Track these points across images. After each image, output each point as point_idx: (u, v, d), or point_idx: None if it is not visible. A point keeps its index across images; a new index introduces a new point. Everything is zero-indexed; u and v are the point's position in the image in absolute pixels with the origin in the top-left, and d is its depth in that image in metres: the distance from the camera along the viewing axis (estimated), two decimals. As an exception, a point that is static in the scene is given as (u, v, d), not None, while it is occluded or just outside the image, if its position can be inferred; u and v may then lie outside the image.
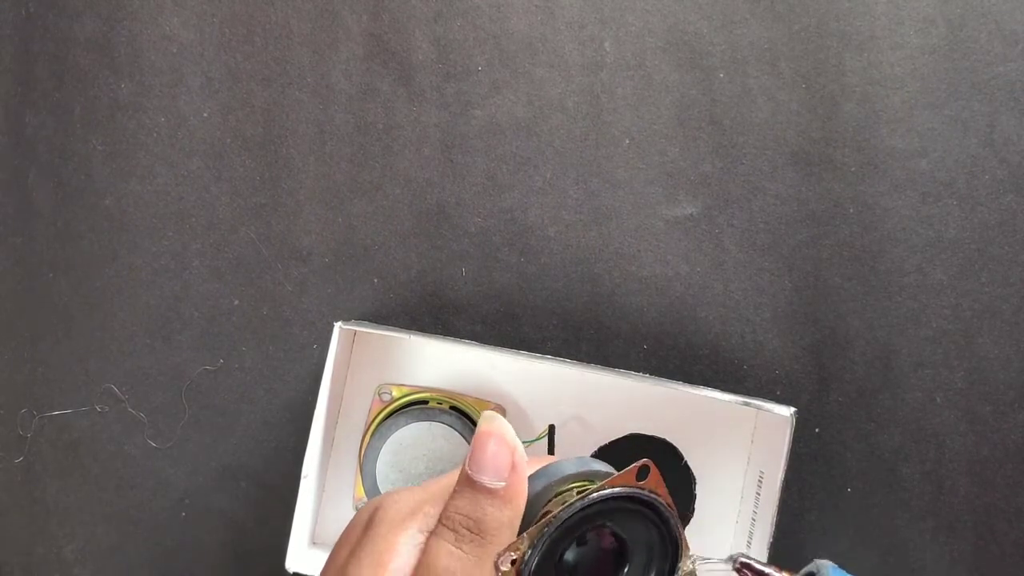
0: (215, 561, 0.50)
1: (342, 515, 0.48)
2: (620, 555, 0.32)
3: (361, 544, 0.33)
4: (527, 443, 0.48)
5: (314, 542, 0.48)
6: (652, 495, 0.31)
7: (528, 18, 0.49)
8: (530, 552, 0.30)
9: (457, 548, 0.30)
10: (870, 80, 0.48)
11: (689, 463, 0.47)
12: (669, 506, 0.32)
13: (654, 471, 0.31)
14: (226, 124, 0.50)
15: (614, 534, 0.32)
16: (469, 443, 0.46)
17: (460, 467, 0.33)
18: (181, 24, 0.50)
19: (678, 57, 0.49)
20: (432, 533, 0.31)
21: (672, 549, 0.32)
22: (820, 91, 0.48)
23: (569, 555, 0.32)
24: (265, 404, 0.50)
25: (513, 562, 0.30)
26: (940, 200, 0.48)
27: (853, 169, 0.48)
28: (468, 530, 0.31)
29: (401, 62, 0.50)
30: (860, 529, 0.48)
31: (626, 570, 0.32)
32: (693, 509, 0.47)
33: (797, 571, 0.35)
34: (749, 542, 0.44)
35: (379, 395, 0.48)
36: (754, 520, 0.44)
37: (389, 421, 0.47)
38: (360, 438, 0.48)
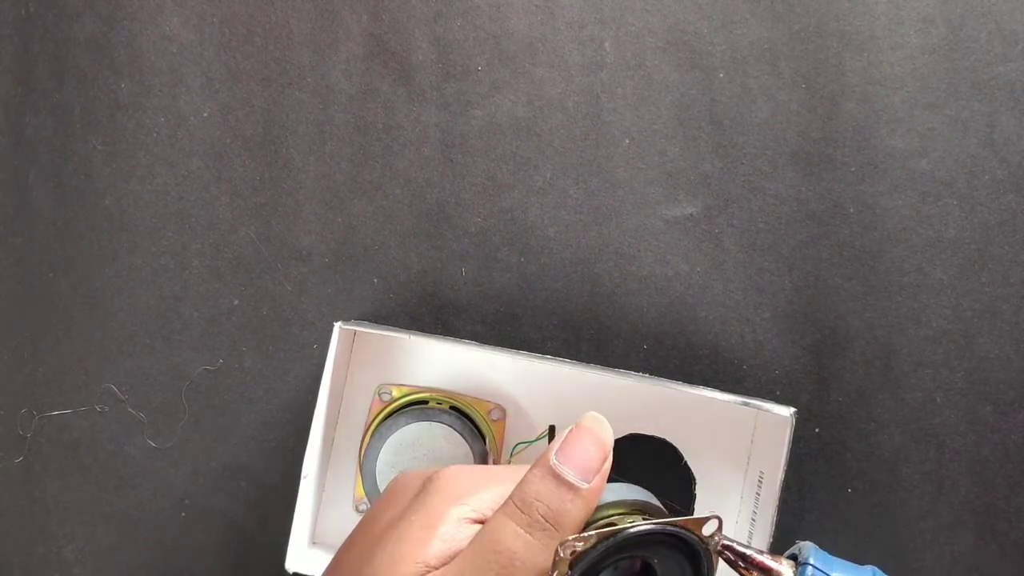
0: (215, 561, 0.50)
1: (342, 515, 0.48)
2: None
3: (413, 507, 0.33)
4: (527, 443, 0.48)
5: (314, 542, 0.48)
6: (707, 552, 0.32)
7: (528, 18, 0.49)
8: (592, 550, 0.30)
9: (527, 533, 0.30)
10: (870, 80, 0.48)
11: (689, 463, 0.47)
12: (712, 568, 0.32)
13: (720, 528, 0.32)
14: (226, 124, 0.50)
15: (649, 566, 0.32)
16: (469, 443, 0.46)
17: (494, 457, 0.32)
18: (181, 24, 0.50)
19: (678, 57, 0.49)
20: (500, 511, 0.31)
21: None
22: (820, 91, 0.48)
23: None
24: (265, 404, 0.50)
25: (573, 552, 0.30)
26: (940, 200, 0.48)
27: (853, 169, 0.48)
28: (544, 518, 0.30)
29: (401, 62, 0.50)
30: (860, 529, 0.48)
31: None
32: (693, 510, 0.47)
33: (780, 553, 0.35)
34: (749, 542, 0.44)
35: (379, 395, 0.48)
36: (754, 520, 0.44)
37: (389, 421, 0.47)
38: (360, 438, 0.48)
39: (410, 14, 0.49)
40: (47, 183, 0.51)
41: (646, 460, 0.47)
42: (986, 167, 0.47)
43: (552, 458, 0.31)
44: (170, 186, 0.50)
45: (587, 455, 0.31)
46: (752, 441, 0.47)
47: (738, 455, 0.47)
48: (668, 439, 0.47)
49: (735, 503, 0.47)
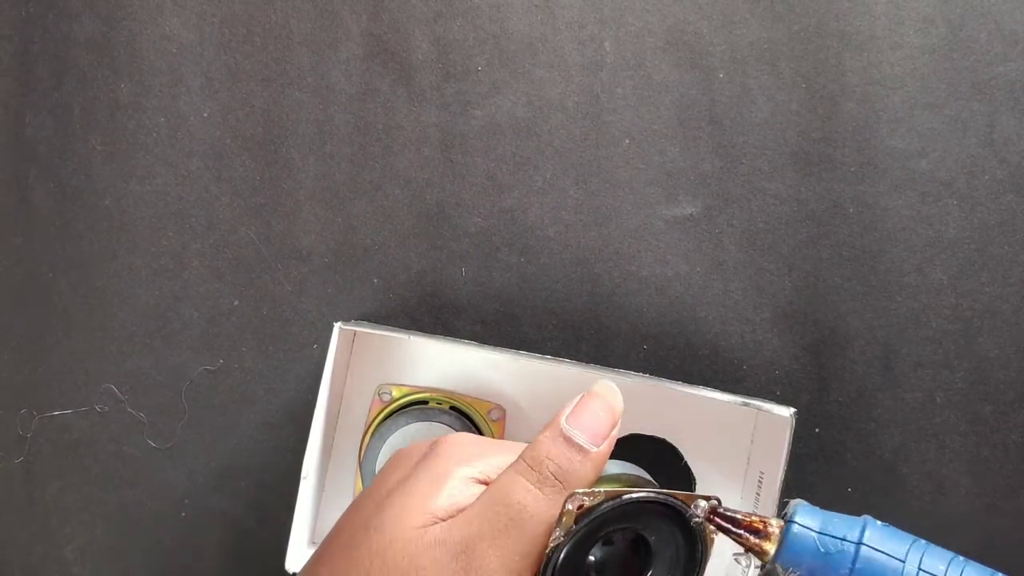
0: (215, 561, 0.50)
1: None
2: (642, 565, 0.33)
3: (420, 466, 0.34)
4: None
5: (314, 542, 0.48)
6: (704, 533, 0.32)
7: (528, 18, 0.49)
8: (597, 508, 0.30)
9: (537, 488, 0.31)
10: (870, 80, 0.48)
11: (689, 463, 0.47)
12: (707, 550, 0.32)
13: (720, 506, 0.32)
14: (226, 124, 0.50)
15: (644, 542, 0.32)
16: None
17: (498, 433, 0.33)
18: (181, 24, 0.50)
19: (678, 57, 0.49)
20: (511, 468, 0.32)
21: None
22: (820, 91, 0.48)
23: (595, 551, 0.32)
24: (265, 404, 0.50)
25: (580, 507, 0.30)
26: (940, 200, 0.48)
27: (853, 169, 0.48)
28: (554, 476, 0.31)
29: (401, 62, 0.50)
30: (860, 529, 0.48)
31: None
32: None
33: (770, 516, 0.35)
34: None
35: (379, 395, 0.48)
36: (754, 520, 0.44)
37: (389, 421, 0.47)
38: (360, 438, 0.48)
39: (410, 14, 0.49)
40: (47, 183, 0.51)
41: (646, 460, 0.47)
42: (986, 167, 0.47)
43: (563, 421, 0.32)
44: (170, 186, 0.50)
45: (597, 420, 0.32)
46: (752, 441, 0.47)
47: (738, 455, 0.47)
48: (668, 439, 0.47)
49: (735, 503, 0.47)
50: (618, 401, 0.33)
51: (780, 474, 0.41)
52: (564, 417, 0.32)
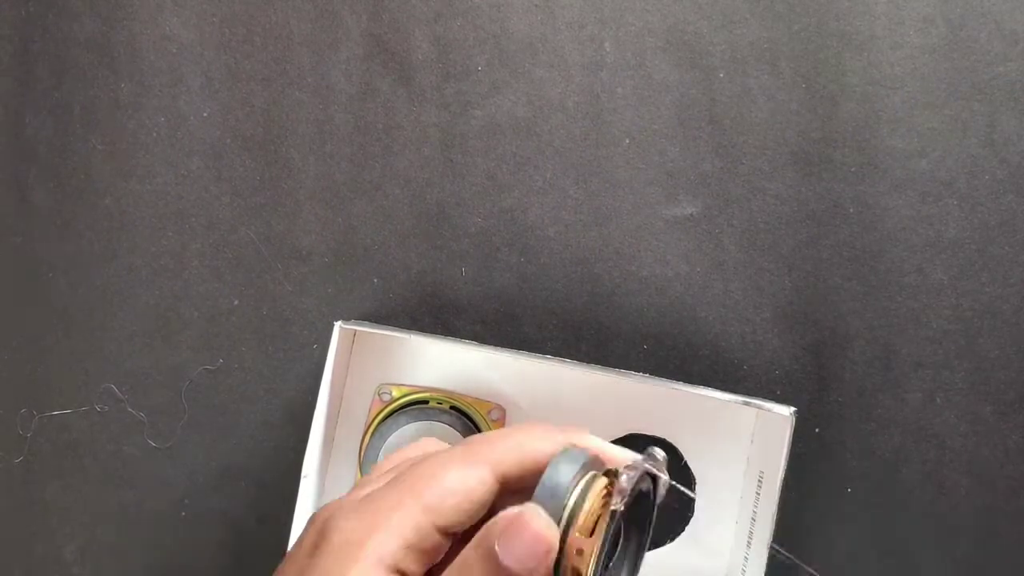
0: (215, 561, 0.50)
1: (342, 515, 0.48)
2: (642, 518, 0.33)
3: (312, 567, 0.30)
4: (527, 443, 0.47)
5: (314, 542, 0.48)
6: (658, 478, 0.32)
7: (528, 18, 0.49)
8: (604, 537, 0.29)
9: None
10: (870, 80, 0.48)
11: (689, 463, 0.47)
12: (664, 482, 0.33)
13: (654, 461, 0.32)
14: (226, 124, 0.50)
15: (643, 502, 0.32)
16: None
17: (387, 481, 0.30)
18: (181, 24, 0.50)
19: (678, 57, 0.49)
20: None
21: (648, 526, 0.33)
22: (820, 91, 0.48)
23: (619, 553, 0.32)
24: (265, 404, 0.50)
25: (580, 551, 0.29)
26: (940, 200, 0.48)
27: (853, 169, 0.48)
28: None
29: (401, 62, 0.50)
30: (860, 530, 0.48)
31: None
32: (693, 509, 0.47)
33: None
34: (749, 542, 0.44)
35: (379, 395, 0.48)
36: (754, 520, 0.44)
37: (389, 421, 0.47)
38: (360, 438, 0.48)
39: (410, 14, 0.50)
40: (47, 182, 0.51)
41: (646, 460, 0.47)
42: (986, 167, 0.47)
43: (496, 549, 0.28)
44: (170, 186, 0.50)
45: (531, 550, 0.28)
46: (752, 441, 0.47)
47: (738, 455, 0.47)
48: (668, 439, 0.47)
49: (735, 503, 0.47)
50: (547, 527, 0.29)
51: (780, 474, 0.41)
52: (496, 545, 0.28)
